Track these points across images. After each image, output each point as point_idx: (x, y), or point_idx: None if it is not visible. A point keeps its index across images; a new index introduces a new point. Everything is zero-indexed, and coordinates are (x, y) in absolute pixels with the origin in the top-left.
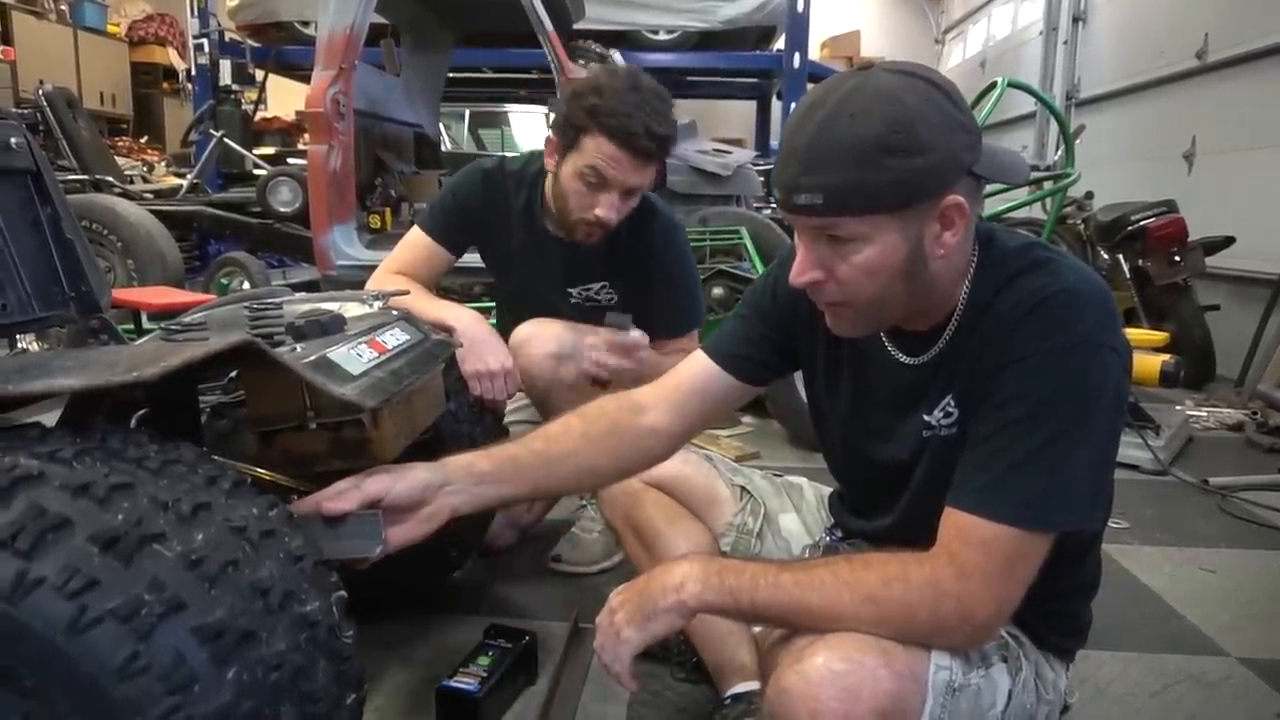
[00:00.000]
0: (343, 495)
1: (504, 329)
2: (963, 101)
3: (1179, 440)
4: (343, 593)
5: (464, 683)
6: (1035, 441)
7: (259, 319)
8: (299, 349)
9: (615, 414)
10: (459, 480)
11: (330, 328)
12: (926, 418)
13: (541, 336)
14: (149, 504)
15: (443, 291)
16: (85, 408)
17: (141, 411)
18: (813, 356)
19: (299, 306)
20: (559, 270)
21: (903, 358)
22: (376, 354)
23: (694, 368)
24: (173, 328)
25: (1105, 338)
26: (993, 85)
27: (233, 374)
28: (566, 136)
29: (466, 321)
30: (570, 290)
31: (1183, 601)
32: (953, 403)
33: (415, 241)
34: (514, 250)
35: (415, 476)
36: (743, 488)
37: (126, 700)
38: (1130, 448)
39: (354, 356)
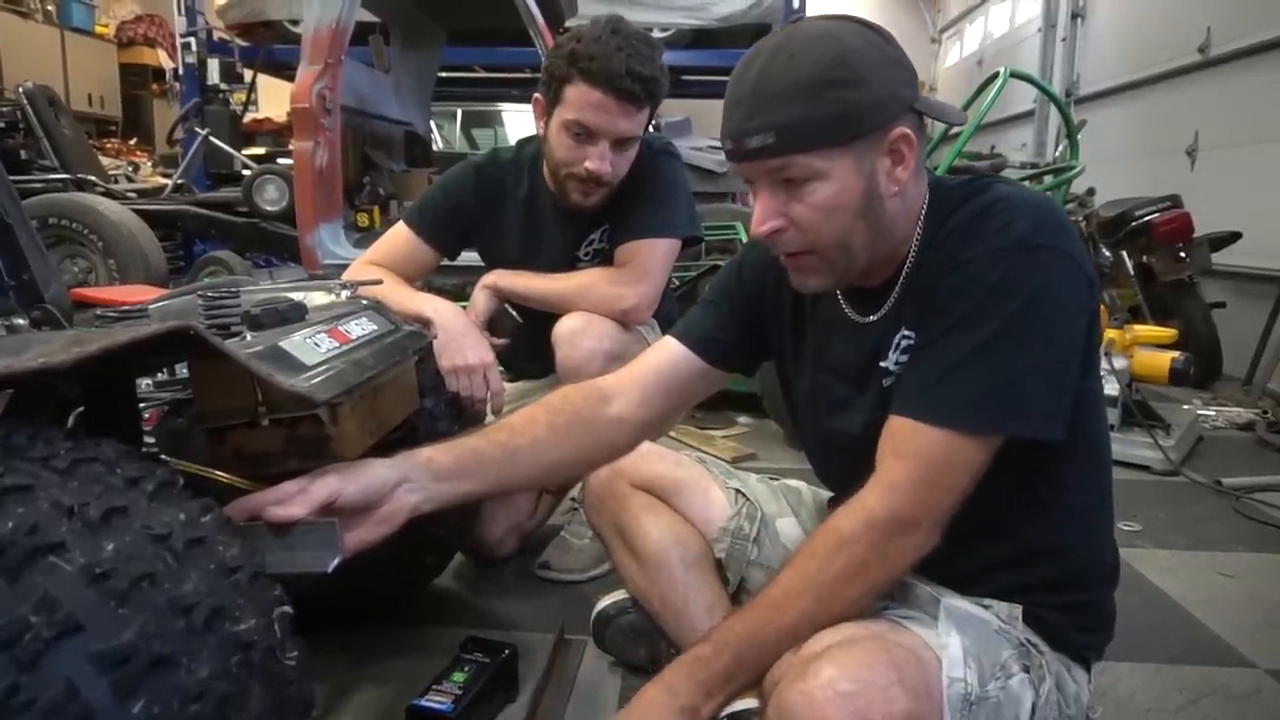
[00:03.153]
0: (290, 500)
1: None
2: (898, 46)
3: (1189, 440)
4: (286, 608)
5: (436, 701)
6: (972, 343)
7: (214, 308)
8: (250, 338)
9: (580, 403)
10: (417, 477)
11: (290, 316)
12: (884, 364)
13: (595, 333)
14: (49, 509)
15: (433, 290)
16: (29, 405)
17: (79, 409)
18: (780, 340)
19: (258, 295)
20: (564, 240)
21: (859, 319)
22: (337, 344)
23: (662, 354)
24: (109, 315)
25: (1045, 239)
26: (994, 76)
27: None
28: (550, 91)
29: (444, 313)
30: (578, 254)
31: (1202, 608)
32: (910, 334)
33: (398, 237)
34: (516, 240)
35: (369, 474)
36: (738, 491)
37: None
38: (1141, 447)
39: (310, 346)
